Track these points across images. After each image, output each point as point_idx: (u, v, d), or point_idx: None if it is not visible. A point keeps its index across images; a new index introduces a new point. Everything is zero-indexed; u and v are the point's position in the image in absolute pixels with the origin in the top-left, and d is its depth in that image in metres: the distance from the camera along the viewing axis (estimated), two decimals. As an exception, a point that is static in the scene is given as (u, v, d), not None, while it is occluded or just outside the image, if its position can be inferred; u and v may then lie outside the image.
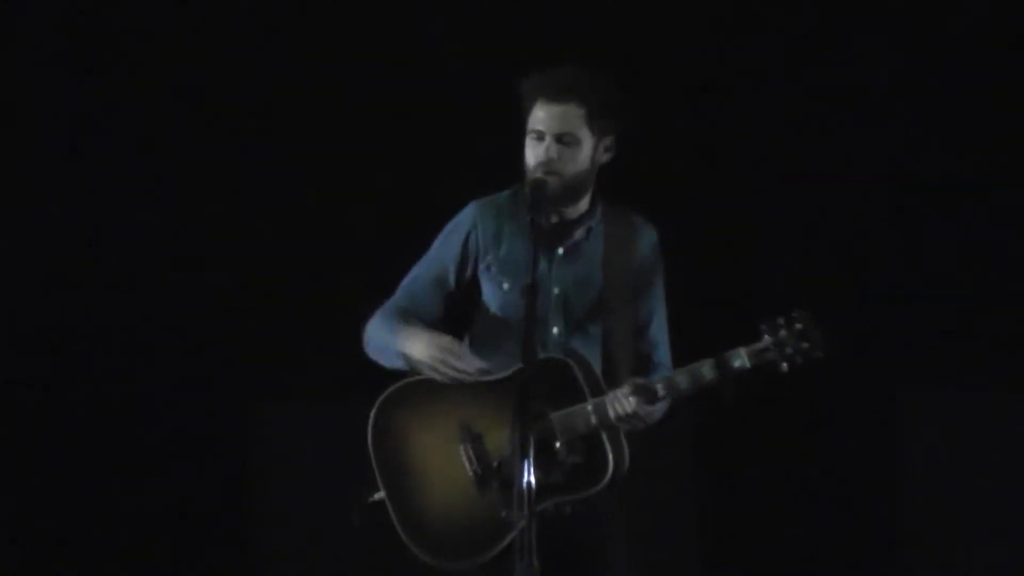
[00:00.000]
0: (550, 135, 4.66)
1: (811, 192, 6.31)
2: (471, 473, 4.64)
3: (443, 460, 4.68)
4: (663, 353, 4.80)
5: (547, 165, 4.66)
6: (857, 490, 6.29)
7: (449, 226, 4.86)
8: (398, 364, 4.73)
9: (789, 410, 5.97)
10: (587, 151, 4.71)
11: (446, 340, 4.67)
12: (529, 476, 4.09)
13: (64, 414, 6.40)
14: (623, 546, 4.72)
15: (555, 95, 4.67)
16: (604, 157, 4.75)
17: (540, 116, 4.68)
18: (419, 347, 4.67)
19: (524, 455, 4.12)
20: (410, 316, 4.77)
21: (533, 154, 4.70)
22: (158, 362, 6.45)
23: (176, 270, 6.45)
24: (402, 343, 4.69)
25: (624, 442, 4.63)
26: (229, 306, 6.43)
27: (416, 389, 4.74)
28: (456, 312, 4.82)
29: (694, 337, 4.76)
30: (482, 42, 6.27)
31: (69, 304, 6.41)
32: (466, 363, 4.63)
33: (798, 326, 4.53)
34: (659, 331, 4.82)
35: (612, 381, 4.68)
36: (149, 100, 6.35)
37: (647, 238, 4.82)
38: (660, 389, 4.58)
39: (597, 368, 4.71)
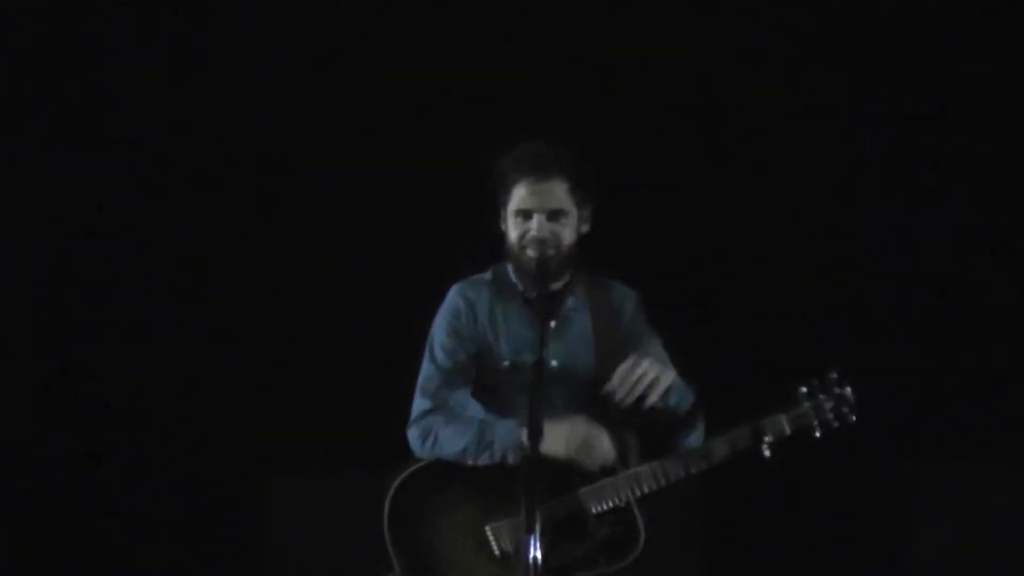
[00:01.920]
0: (539, 213, 4.71)
1: (818, 249, 6.30)
2: (497, 552, 4.65)
3: (468, 541, 4.67)
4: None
5: (544, 244, 4.72)
6: (862, 557, 6.27)
7: (445, 312, 4.88)
8: (488, 459, 4.69)
9: (796, 476, 5.93)
10: (573, 223, 4.77)
11: (585, 430, 4.67)
12: (536, 551, 4.08)
13: (70, 483, 6.38)
14: None
15: (538, 173, 4.71)
16: (584, 228, 4.81)
17: (524, 195, 4.72)
18: (558, 440, 4.61)
19: (531, 531, 4.10)
20: (446, 409, 4.76)
21: (520, 233, 4.74)
22: (167, 433, 6.44)
23: (185, 338, 6.45)
24: (519, 432, 4.61)
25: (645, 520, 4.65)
26: (238, 378, 6.43)
27: (433, 472, 4.76)
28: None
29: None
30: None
31: (77, 365, 6.42)
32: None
33: (837, 390, 4.59)
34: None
35: (619, 444, 4.72)
36: (148, 176, 6.38)
37: (629, 301, 4.87)
38: (702, 463, 4.61)
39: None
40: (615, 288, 4.88)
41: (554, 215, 4.71)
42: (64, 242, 6.36)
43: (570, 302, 4.83)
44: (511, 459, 4.63)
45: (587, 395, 4.75)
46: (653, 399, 4.59)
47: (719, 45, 6.22)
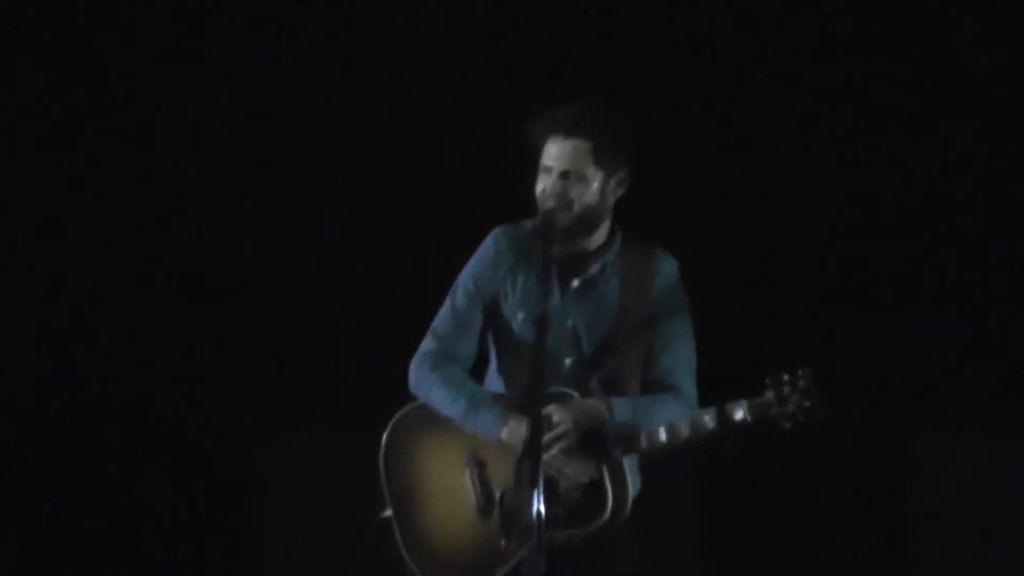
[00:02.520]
0: (556, 171, 4.68)
1: (824, 225, 6.30)
2: (474, 500, 4.69)
3: (449, 484, 4.73)
4: (678, 379, 4.76)
5: (548, 201, 4.68)
6: (862, 523, 6.29)
7: (476, 256, 4.87)
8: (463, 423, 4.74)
9: (795, 445, 5.70)
10: (595, 187, 4.70)
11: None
12: (540, 506, 4.12)
13: (66, 436, 6.40)
14: None
15: (563, 131, 4.67)
16: (618, 192, 4.76)
17: (550, 152, 4.69)
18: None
19: (534, 486, 4.15)
20: (453, 358, 4.80)
21: (540, 188, 4.72)
22: (164, 385, 6.46)
23: (180, 293, 6.46)
24: (501, 429, 4.67)
25: (628, 480, 4.63)
26: (236, 330, 6.42)
27: (428, 411, 4.80)
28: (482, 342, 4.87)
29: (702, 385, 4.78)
30: (500, 71, 6.27)
31: (75, 330, 6.44)
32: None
33: (802, 384, 4.47)
34: (674, 359, 4.77)
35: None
36: (152, 150, 6.39)
37: (665, 271, 4.81)
38: (662, 435, 4.57)
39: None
40: (655, 257, 4.81)
41: (566, 175, 4.67)
42: (48, 200, 6.36)
43: (595, 266, 4.77)
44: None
45: (598, 361, 4.75)
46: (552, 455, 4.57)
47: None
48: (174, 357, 6.42)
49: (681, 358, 4.78)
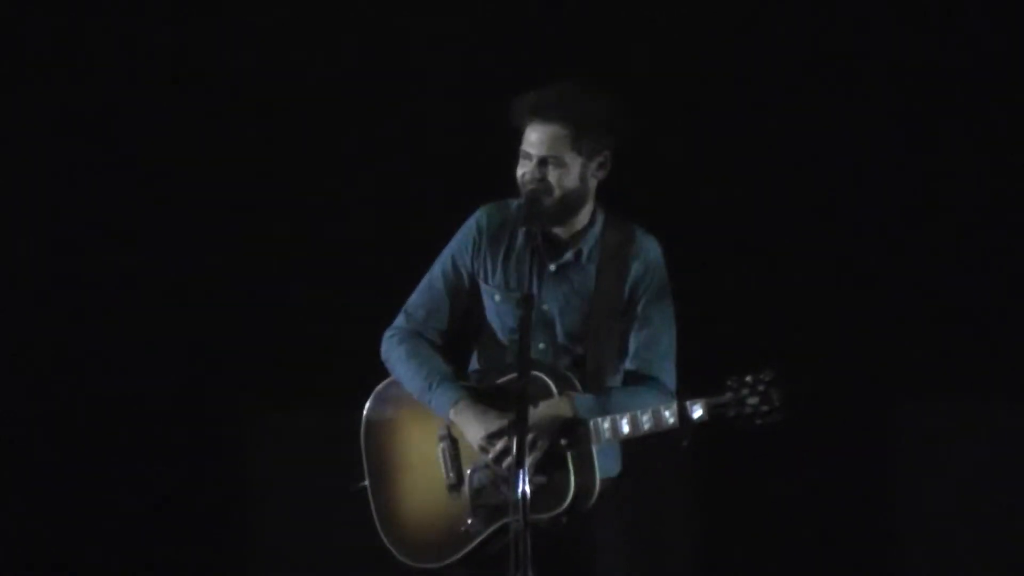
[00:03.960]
0: (535, 157, 4.64)
1: (810, 194, 6.26)
2: (444, 476, 4.70)
3: (422, 458, 4.75)
4: (655, 368, 4.72)
5: (528, 186, 4.64)
6: (851, 497, 6.28)
7: (459, 233, 4.84)
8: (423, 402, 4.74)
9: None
10: (575, 172, 4.65)
11: (497, 431, 4.61)
12: (525, 486, 4.14)
13: (60, 421, 6.41)
14: (620, 557, 4.72)
15: (542, 116, 4.63)
16: (599, 175, 4.71)
17: (529, 138, 4.65)
18: (472, 431, 4.64)
19: (520, 465, 4.17)
20: (423, 336, 4.78)
21: (521, 172, 4.68)
22: (154, 369, 6.44)
23: (172, 276, 6.45)
24: (449, 410, 4.68)
25: (596, 466, 4.59)
26: (225, 313, 6.42)
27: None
28: (463, 322, 4.85)
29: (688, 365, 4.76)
30: (483, 53, 6.26)
31: (67, 311, 6.43)
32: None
33: (761, 388, 4.40)
34: (651, 348, 4.72)
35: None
36: (136, 108, 6.37)
37: (645, 253, 4.75)
38: (624, 427, 4.52)
39: (579, 388, 4.67)
40: (636, 238, 4.75)
41: (544, 161, 4.63)
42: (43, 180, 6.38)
43: (570, 253, 4.74)
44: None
45: (571, 348, 4.72)
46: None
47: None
48: (159, 348, 6.44)
49: (659, 346, 4.73)
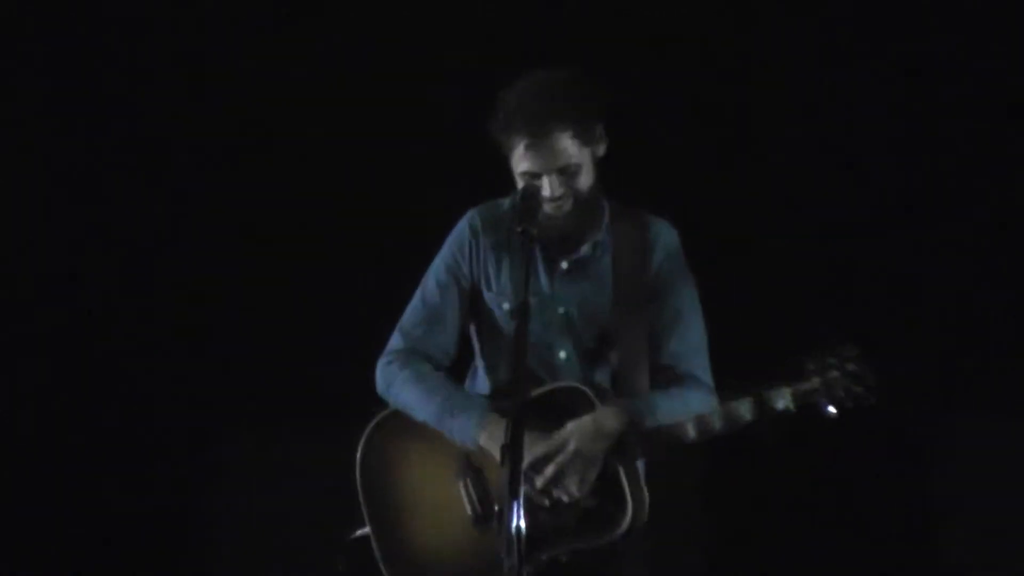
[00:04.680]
0: (548, 173, 4.28)
1: (844, 201, 5.99)
2: (469, 511, 4.33)
3: (439, 495, 4.38)
4: (691, 364, 4.42)
5: (559, 203, 4.29)
6: (888, 515, 6.05)
7: (449, 242, 4.52)
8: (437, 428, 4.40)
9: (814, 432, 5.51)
10: (589, 164, 4.34)
11: (544, 455, 4.26)
12: (519, 520, 3.73)
13: (31, 434, 6.29)
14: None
15: (535, 130, 4.26)
16: (600, 152, 4.38)
17: (527, 157, 4.28)
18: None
19: (514, 496, 3.75)
20: (426, 356, 4.46)
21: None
22: (127, 386, 6.30)
23: (144, 292, 6.31)
24: (479, 434, 4.31)
25: (644, 486, 4.30)
26: (196, 331, 6.27)
27: (406, 416, 4.45)
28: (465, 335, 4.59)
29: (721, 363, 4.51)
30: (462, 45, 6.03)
31: (41, 324, 6.31)
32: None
33: (850, 367, 4.18)
34: (683, 341, 4.42)
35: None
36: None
37: (664, 242, 4.45)
38: (690, 429, 4.24)
39: (611, 394, 4.36)
40: (652, 226, 4.45)
41: (565, 170, 4.28)
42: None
43: (587, 246, 4.43)
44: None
45: (598, 352, 4.40)
46: (572, 495, 4.23)
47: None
48: (137, 359, 6.30)
49: (691, 339, 4.43)
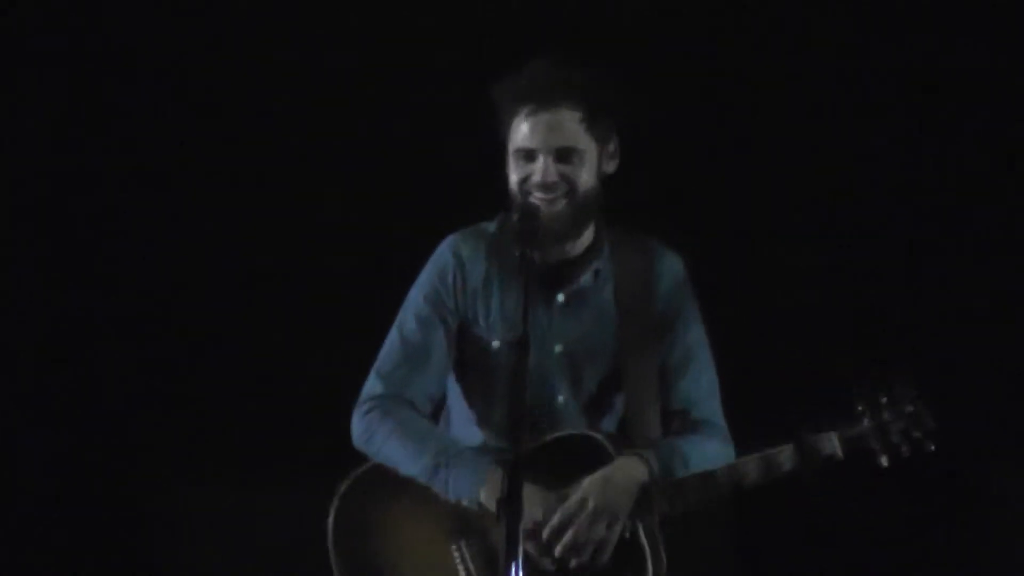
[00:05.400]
0: (545, 152, 3.96)
1: (887, 231, 5.67)
2: None
3: (428, 562, 4.04)
4: (706, 408, 4.12)
5: (551, 189, 3.96)
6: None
7: (428, 272, 4.18)
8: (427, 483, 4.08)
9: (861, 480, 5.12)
10: (593, 162, 4.00)
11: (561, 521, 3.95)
12: None
13: None
14: None
15: (543, 100, 3.97)
16: (609, 167, 4.06)
17: (526, 130, 3.98)
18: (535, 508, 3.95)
19: (512, 558, 3.44)
20: (409, 403, 4.13)
21: (522, 176, 4.00)
22: (49, 435, 5.91)
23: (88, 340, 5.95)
24: (478, 490, 3.97)
25: (662, 547, 3.98)
26: (137, 382, 5.87)
27: (386, 474, 4.12)
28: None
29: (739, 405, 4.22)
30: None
31: None
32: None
33: (908, 408, 3.90)
34: (695, 382, 4.12)
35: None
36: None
37: (670, 271, 4.15)
38: (722, 480, 3.96)
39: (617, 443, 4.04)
40: (655, 253, 4.15)
41: (564, 154, 3.96)
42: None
43: (587, 275, 4.11)
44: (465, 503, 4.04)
45: (602, 395, 4.09)
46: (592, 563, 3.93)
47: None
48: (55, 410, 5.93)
49: (703, 379, 4.14)
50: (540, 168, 3.93)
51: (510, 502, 3.48)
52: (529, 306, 3.82)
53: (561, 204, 3.95)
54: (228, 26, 5.82)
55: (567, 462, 3.94)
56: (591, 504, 3.88)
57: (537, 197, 3.95)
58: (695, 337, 4.11)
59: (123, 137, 5.88)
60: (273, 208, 5.75)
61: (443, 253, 4.13)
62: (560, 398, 4.04)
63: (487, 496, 3.90)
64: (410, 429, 4.05)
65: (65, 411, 5.89)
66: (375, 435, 4.07)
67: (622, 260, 4.10)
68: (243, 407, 5.71)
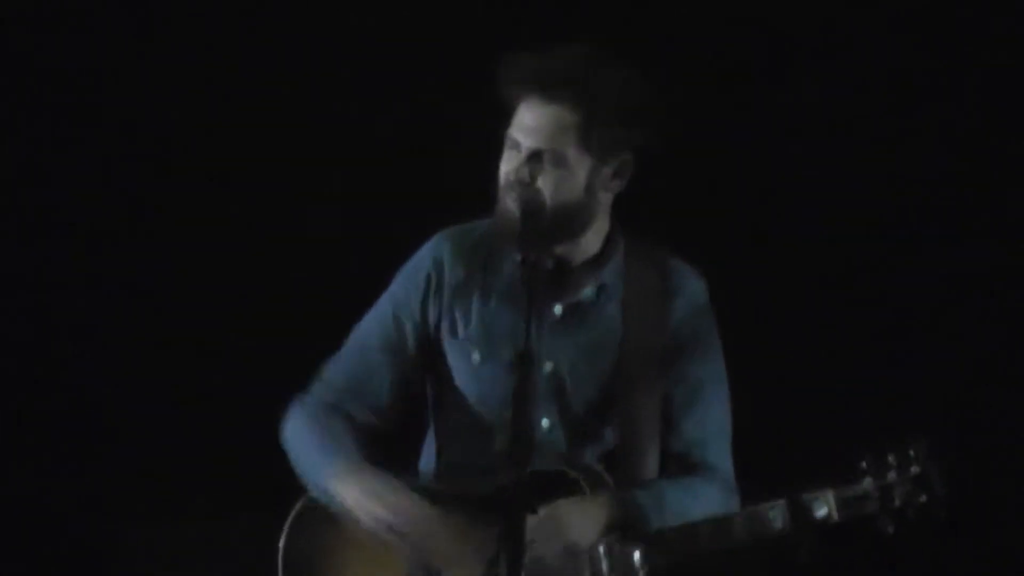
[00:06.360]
0: (524, 148, 3.73)
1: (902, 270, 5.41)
2: None
3: None
4: (710, 451, 3.85)
5: (514, 188, 3.72)
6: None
7: (405, 272, 3.93)
8: (324, 500, 3.87)
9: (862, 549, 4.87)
10: (579, 177, 3.71)
11: (399, 497, 3.74)
12: None
13: None
14: None
15: (543, 91, 3.70)
16: (613, 185, 3.78)
17: (522, 120, 3.73)
18: (354, 494, 3.78)
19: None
20: (346, 413, 3.90)
21: (507, 169, 3.76)
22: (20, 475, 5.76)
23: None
24: (330, 481, 3.80)
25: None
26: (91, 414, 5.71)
27: None
28: (415, 392, 3.99)
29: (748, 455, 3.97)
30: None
31: None
32: (424, 525, 3.73)
33: (914, 469, 3.61)
34: (702, 425, 3.85)
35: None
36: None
37: (690, 294, 3.87)
38: (704, 536, 3.69)
39: (611, 482, 3.79)
40: (673, 272, 3.89)
41: (538, 156, 3.70)
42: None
43: (588, 289, 3.83)
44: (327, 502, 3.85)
45: (591, 425, 3.84)
46: None
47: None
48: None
49: (712, 420, 3.86)
50: (514, 165, 3.71)
51: (511, 536, 3.29)
52: (524, 317, 3.57)
53: (521, 206, 3.70)
54: (227, 26, 5.70)
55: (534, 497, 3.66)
56: (534, 550, 3.64)
57: (509, 197, 3.72)
58: (709, 372, 3.85)
59: (112, 137, 5.73)
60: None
61: (423, 255, 3.91)
62: (544, 423, 3.78)
63: (339, 487, 3.72)
64: (319, 425, 3.83)
65: (20, 449, 5.79)
66: (294, 439, 3.85)
67: (635, 277, 3.86)
68: (198, 443, 5.59)
